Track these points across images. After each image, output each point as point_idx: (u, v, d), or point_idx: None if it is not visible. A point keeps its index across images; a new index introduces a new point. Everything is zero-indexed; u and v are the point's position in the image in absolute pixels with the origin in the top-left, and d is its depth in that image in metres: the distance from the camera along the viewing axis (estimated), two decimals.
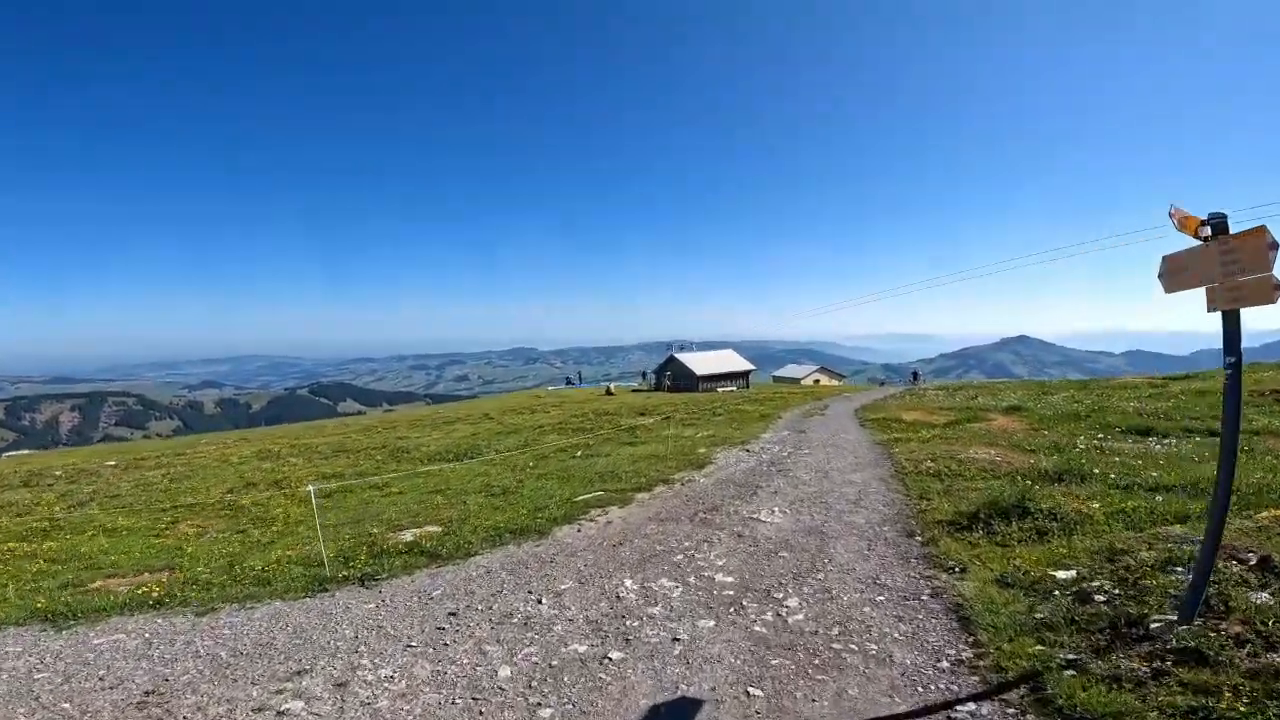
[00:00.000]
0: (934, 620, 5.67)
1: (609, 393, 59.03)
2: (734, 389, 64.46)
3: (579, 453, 20.37)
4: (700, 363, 67.42)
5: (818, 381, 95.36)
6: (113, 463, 27.46)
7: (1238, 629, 4.39)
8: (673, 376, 68.43)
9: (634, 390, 69.10)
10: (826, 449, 16.94)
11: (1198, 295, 4.46)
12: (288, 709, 4.86)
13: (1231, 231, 4.25)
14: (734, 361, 71.17)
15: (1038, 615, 5.34)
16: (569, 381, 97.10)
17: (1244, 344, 4.30)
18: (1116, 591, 5.41)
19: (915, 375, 76.61)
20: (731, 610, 6.21)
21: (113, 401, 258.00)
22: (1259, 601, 4.69)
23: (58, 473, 24.46)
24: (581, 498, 11.82)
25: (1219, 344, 4.37)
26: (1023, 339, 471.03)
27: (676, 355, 69.15)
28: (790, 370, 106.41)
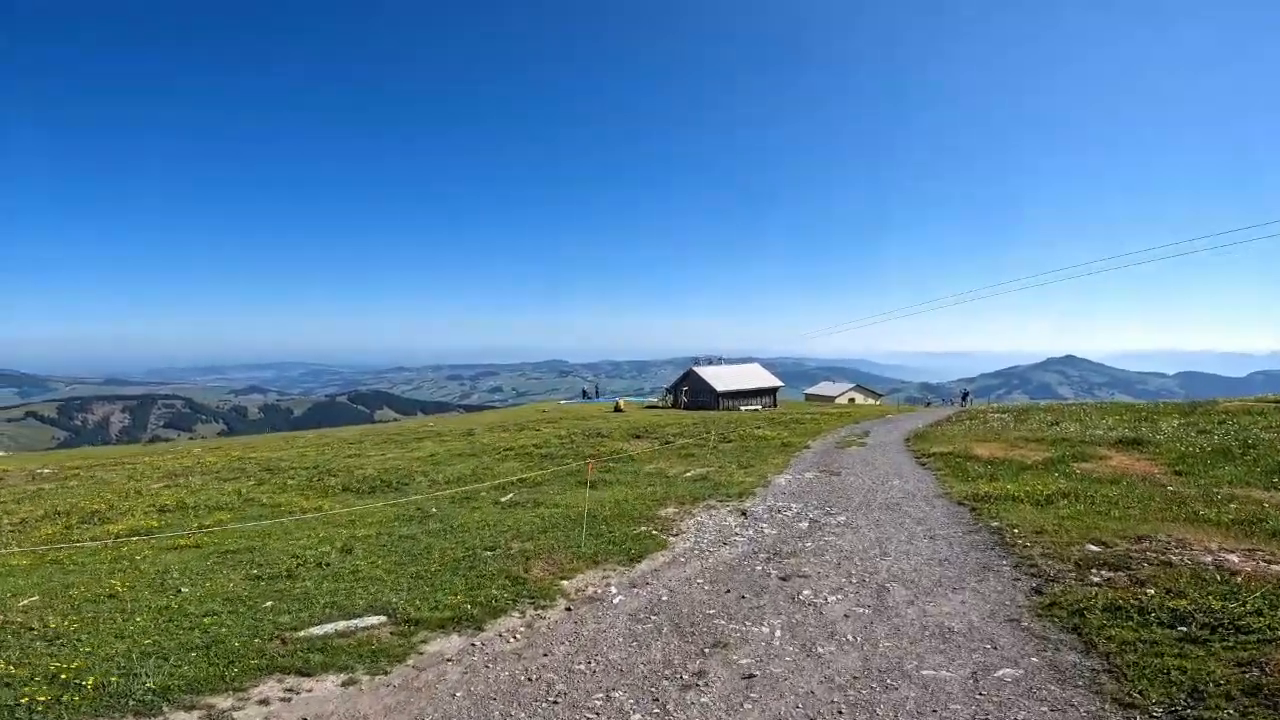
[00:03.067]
0: None
1: (618, 409, 52.89)
2: (758, 408, 57.41)
3: (508, 496, 14.31)
4: (721, 378, 60.36)
5: (853, 400, 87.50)
6: (47, 469, 24.39)
7: None
8: (690, 393, 61.49)
9: (648, 407, 62.65)
10: (875, 513, 10.33)
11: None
12: None
13: None
14: (760, 377, 63.93)
15: None
16: (585, 395, 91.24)
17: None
18: None
19: (965, 396, 68.41)
20: None
21: (162, 404, 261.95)
22: None
23: None
24: (298, 638, 5.49)
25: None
26: (1069, 359, 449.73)
27: (695, 369, 62.07)
28: (824, 388, 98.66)
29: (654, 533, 9.36)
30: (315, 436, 44.26)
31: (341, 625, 5.68)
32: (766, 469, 15.87)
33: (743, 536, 9.00)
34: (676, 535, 9.27)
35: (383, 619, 5.92)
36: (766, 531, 9.27)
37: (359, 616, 5.93)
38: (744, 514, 10.50)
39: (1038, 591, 6.29)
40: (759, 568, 7.48)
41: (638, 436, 28.35)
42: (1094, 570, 6.55)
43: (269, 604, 6.83)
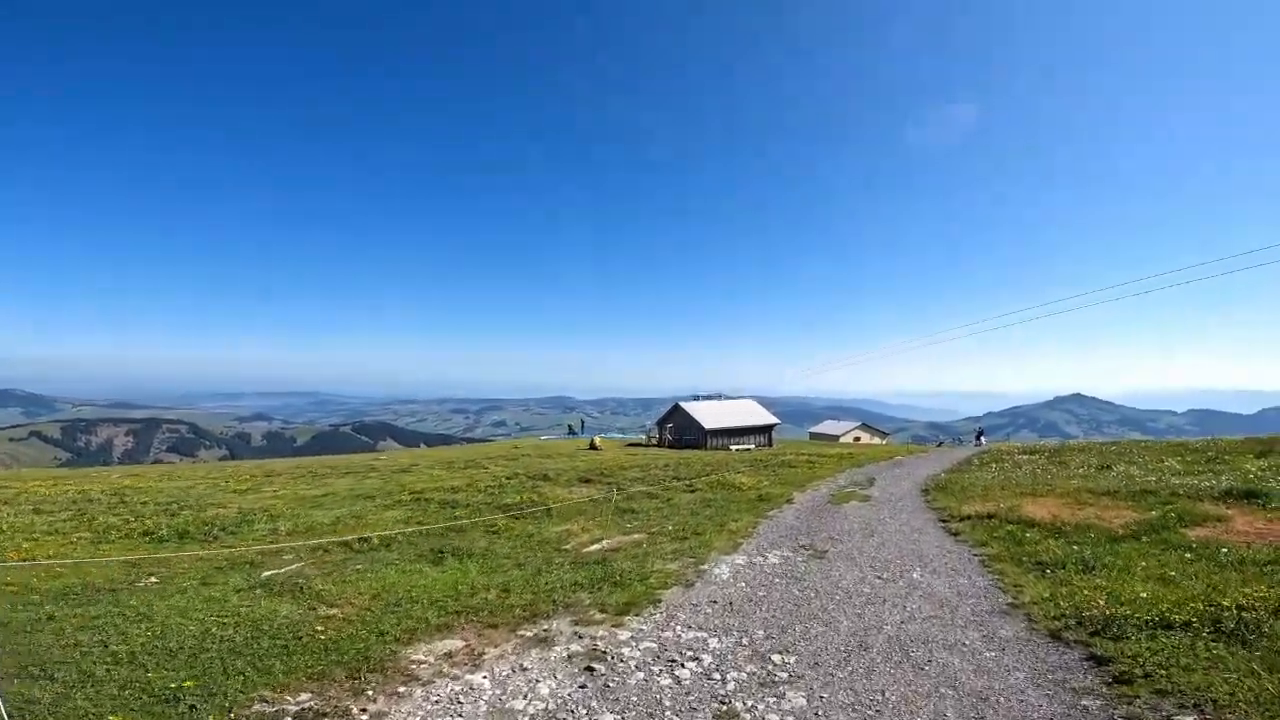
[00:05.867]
0: None
1: (593, 446, 47.41)
2: (750, 447, 51.49)
3: (286, 569, 9.25)
4: (710, 414, 54.52)
5: (858, 439, 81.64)
6: None
7: None
8: (676, 430, 55.57)
9: (630, 444, 56.99)
10: (878, 677, 4.76)
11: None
12: None
13: None
14: (753, 414, 58.00)
15: None
16: (571, 431, 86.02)
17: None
18: None
19: (980, 435, 62.24)
20: None
21: (166, 428, 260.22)
22: None
23: None
24: None
25: None
26: (1078, 397, 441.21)
27: (682, 405, 56.16)
28: (828, 426, 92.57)
29: None
30: (253, 466, 39.53)
31: None
32: (713, 542, 10.23)
33: None
34: None
35: None
36: None
37: None
38: (592, 667, 4.94)
39: None
40: None
41: (587, 481, 22.90)
42: None
43: None
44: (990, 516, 11.88)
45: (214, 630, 6.14)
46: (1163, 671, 4.53)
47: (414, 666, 5.14)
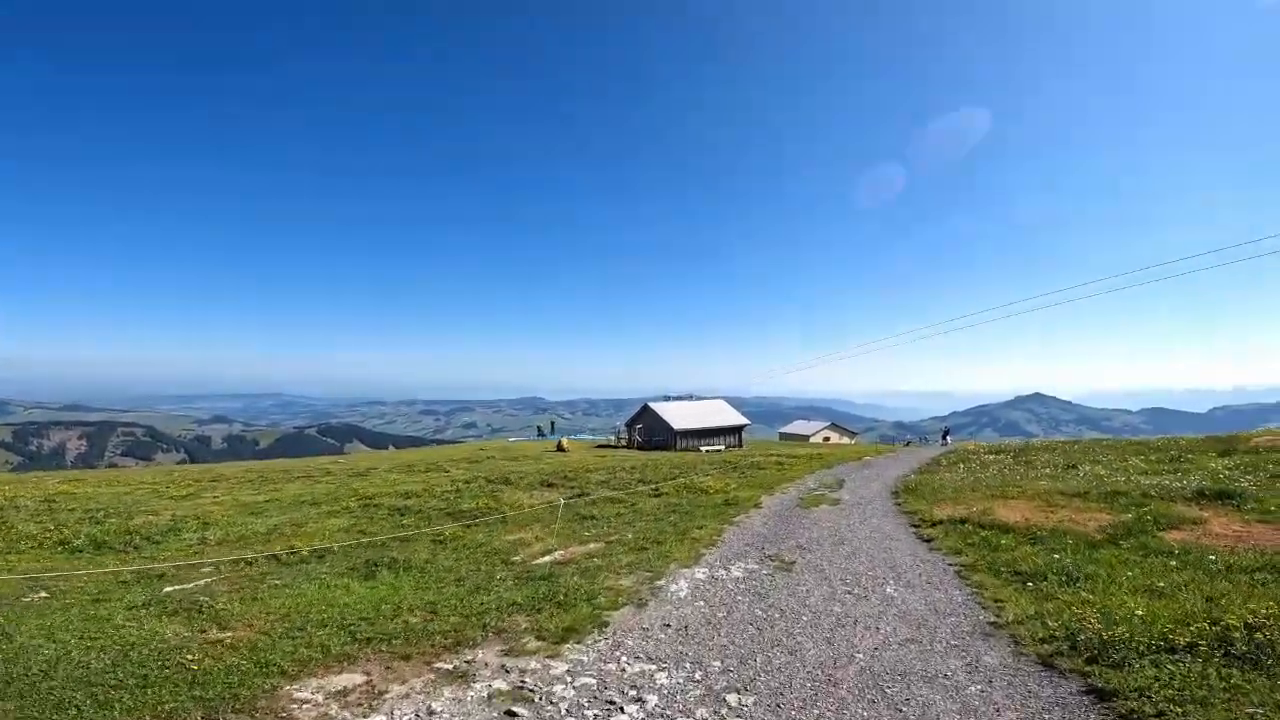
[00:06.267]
0: None
1: (560, 448, 46.55)
2: (721, 448, 50.99)
3: (195, 583, 8.26)
4: (680, 415, 53.92)
5: (827, 439, 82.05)
6: None
7: None
8: (645, 431, 54.87)
9: (599, 446, 56.17)
10: None
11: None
12: None
13: None
14: (723, 415, 57.56)
15: None
16: (540, 432, 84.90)
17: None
18: None
19: (946, 434, 62.72)
20: None
21: (121, 431, 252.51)
22: None
23: None
24: None
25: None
26: (1037, 396, 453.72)
27: (651, 406, 55.50)
28: (798, 426, 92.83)
29: None
30: (199, 471, 38.04)
31: None
32: (673, 553, 9.49)
33: None
34: None
35: None
36: None
37: None
38: (514, 711, 4.16)
39: None
40: None
41: (549, 485, 22.08)
42: None
43: None
44: (963, 521, 11.37)
45: (73, 654, 5.25)
46: (1177, 708, 3.91)
47: (293, 707, 4.30)
